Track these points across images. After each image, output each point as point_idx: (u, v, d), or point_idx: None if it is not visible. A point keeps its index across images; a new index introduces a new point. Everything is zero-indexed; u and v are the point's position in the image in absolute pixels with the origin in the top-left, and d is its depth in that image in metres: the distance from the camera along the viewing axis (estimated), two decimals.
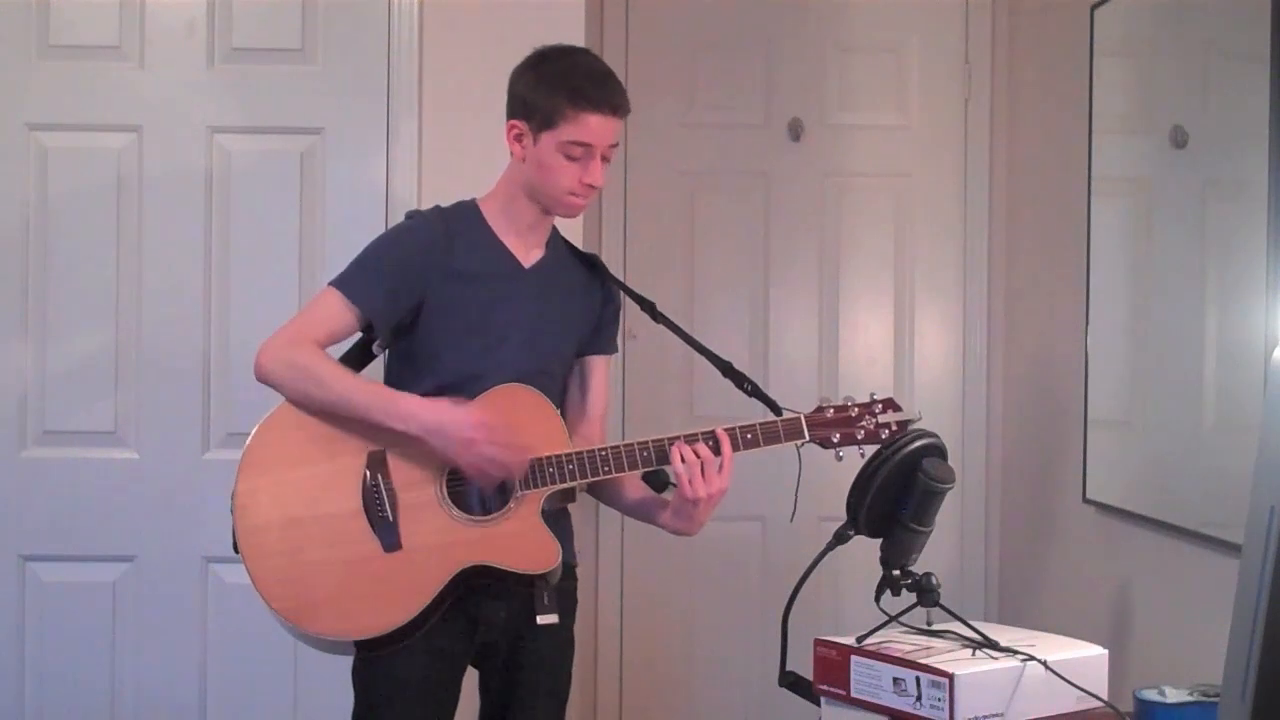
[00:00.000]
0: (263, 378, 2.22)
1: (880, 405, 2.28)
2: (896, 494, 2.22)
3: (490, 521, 2.21)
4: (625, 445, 2.22)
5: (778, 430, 2.24)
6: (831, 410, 2.26)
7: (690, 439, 2.21)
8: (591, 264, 2.45)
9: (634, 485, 2.37)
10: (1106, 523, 2.91)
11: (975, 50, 3.65)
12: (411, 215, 2.40)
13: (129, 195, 2.96)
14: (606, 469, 2.22)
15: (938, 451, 2.25)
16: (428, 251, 2.29)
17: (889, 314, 3.69)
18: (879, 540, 2.27)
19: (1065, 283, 3.13)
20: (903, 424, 2.27)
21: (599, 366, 2.45)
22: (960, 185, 3.66)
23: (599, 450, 2.22)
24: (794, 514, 2.34)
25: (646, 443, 2.23)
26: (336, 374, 2.22)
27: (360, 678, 2.30)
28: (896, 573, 2.24)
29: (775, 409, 2.29)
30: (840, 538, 2.27)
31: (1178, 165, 2.66)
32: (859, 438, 2.26)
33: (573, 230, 2.87)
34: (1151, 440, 2.78)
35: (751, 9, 3.68)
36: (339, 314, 2.25)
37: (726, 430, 2.22)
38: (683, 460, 2.20)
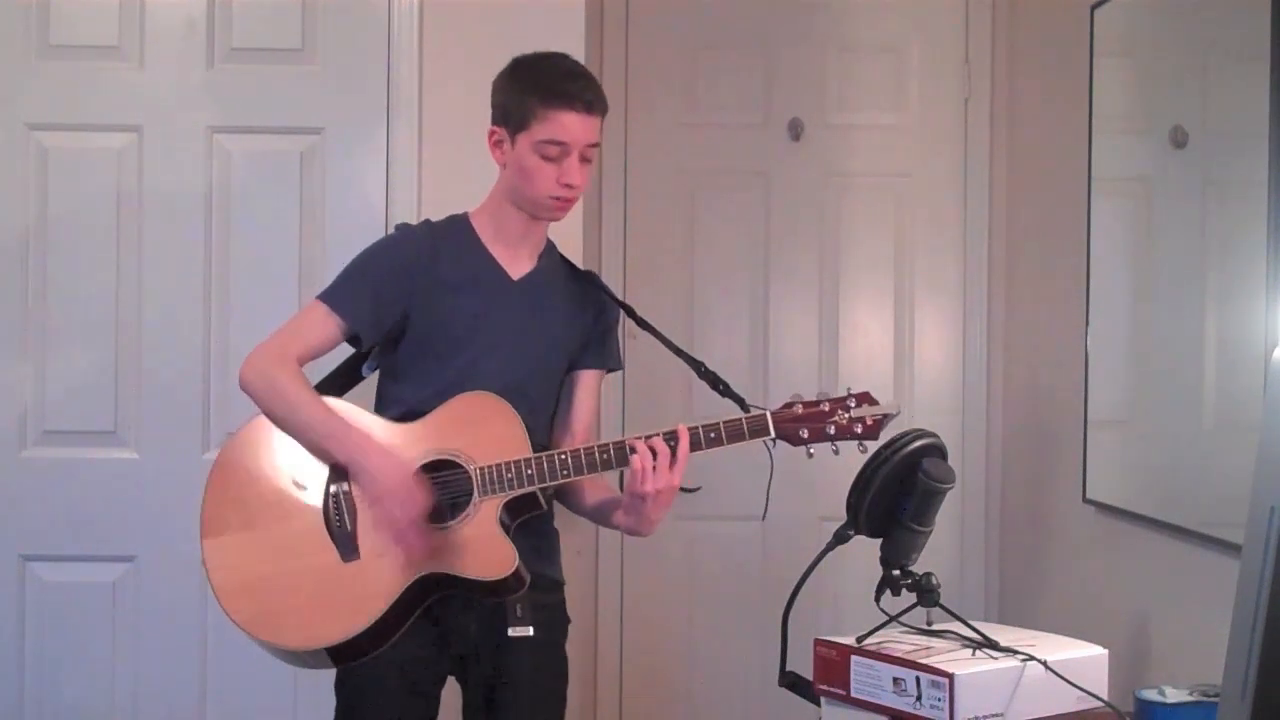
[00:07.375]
0: (243, 388, 2.26)
1: (854, 400, 2.21)
2: (896, 494, 2.22)
3: (446, 529, 2.19)
4: (585, 449, 2.19)
5: (742, 427, 2.17)
6: (800, 406, 2.20)
7: (650, 437, 2.17)
8: (587, 279, 2.43)
9: (593, 489, 2.35)
10: (1106, 523, 2.91)
11: (975, 50, 3.64)
12: (401, 228, 2.42)
13: (129, 195, 2.96)
14: (565, 472, 2.18)
15: (938, 451, 2.24)
16: (412, 262, 2.29)
17: (889, 314, 3.69)
18: (879, 540, 2.26)
19: (1065, 283, 3.13)
20: (880, 418, 2.20)
21: (586, 381, 2.42)
22: (960, 185, 3.65)
23: (558, 454, 2.19)
24: (765, 512, 2.33)
25: (607, 445, 2.19)
26: (306, 399, 2.23)
27: (339, 688, 2.32)
28: (896, 573, 2.24)
29: (743, 406, 2.24)
30: (840, 538, 2.27)
31: (1178, 165, 2.66)
32: (830, 433, 2.19)
33: (572, 231, 2.87)
34: (1151, 440, 2.77)
35: (751, 9, 3.67)
36: (323, 325, 2.27)
37: (689, 428, 2.18)
38: (636, 454, 2.15)
